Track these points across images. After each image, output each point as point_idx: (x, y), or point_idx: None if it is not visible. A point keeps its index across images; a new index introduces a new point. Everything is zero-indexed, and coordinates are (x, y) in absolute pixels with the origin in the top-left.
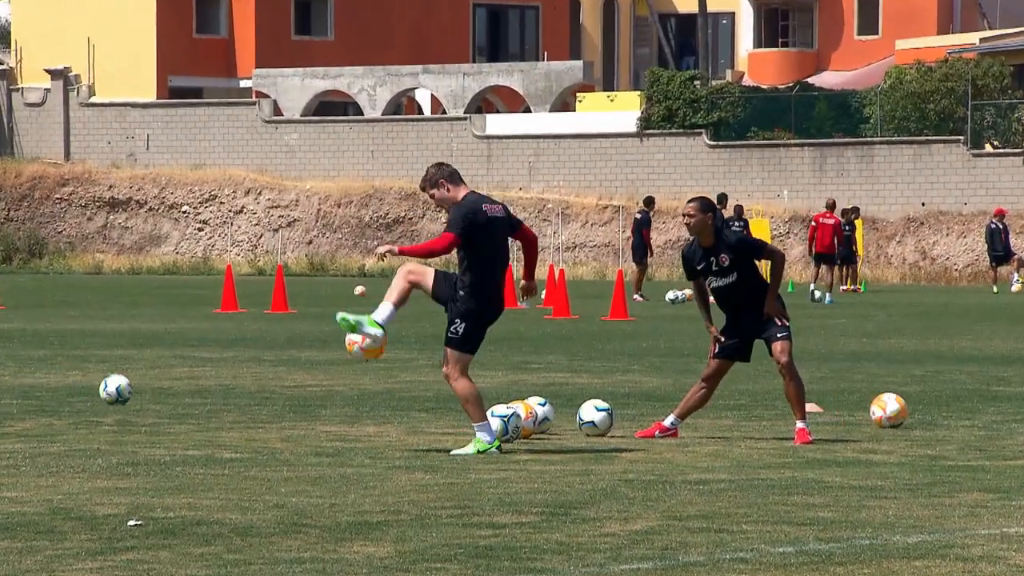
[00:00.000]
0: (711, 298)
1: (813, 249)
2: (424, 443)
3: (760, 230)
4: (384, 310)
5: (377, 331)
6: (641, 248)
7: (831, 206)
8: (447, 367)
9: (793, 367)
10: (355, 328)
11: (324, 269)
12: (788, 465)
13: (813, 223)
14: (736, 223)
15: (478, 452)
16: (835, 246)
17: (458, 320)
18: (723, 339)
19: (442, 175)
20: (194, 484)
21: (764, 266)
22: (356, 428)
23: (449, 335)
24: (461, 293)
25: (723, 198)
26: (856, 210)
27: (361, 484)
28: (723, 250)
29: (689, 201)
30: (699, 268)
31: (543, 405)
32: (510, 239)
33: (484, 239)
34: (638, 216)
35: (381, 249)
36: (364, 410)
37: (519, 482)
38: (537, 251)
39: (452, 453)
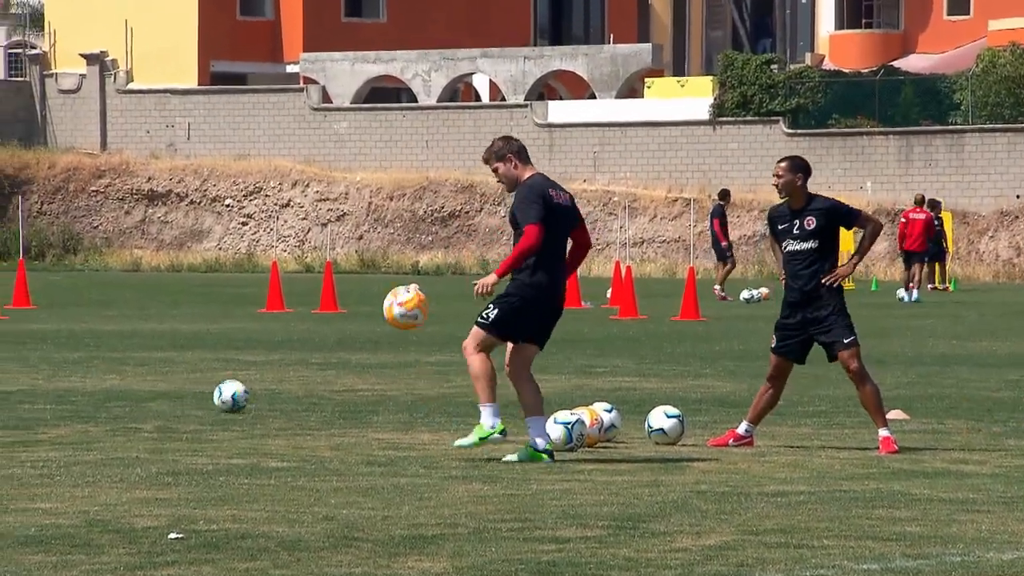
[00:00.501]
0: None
1: (902, 246)
2: (482, 452)
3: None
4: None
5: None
6: (719, 242)
7: (920, 201)
8: (467, 341)
9: (864, 372)
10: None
11: (375, 266)
12: (872, 476)
13: (903, 219)
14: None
15: (480, 439)
16: (926, 243)
17: (491, 305)
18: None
19: (511, 149)
20: (238, 495)
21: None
22: (410, 436)
23: (479, 319)
24: (509, 287)
25: (725, 194)
26: (937, 204)
27: (415, 495)
28: (811, 213)
29: (779, 161)
30: (781, 228)
31: (609, 411)
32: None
33: (551, 227)
34: (712, 208)
35: (482, 286)
36: (418, 416)
37: (584, 494)
38: (583, 260)
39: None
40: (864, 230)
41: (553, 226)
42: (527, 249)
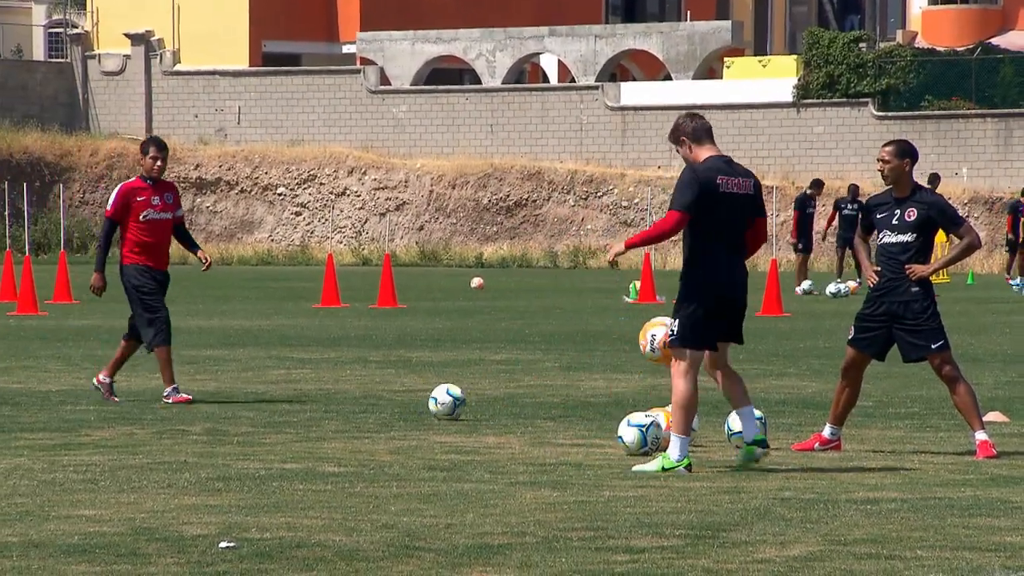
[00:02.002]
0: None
1: (1016, 238)
2: (552, 456)
3: None
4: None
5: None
6: (800, 233)
7: None
8: (673, 362)
9: (958, 373)
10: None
11: (437, 258)
12: (969, 482)
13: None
14: (850, 205)
15: (663, 470)
16: None
17: (670, 319)
18: (875, 279)
19: (685, 130)
20: (293, 501)
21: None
22: (474, 439)
23: (671, 338)
24: (680, 284)
25: (818, 184)
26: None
27: (480, 502)
28: (914, 204)
29: (885, 145)
30: (879, 217)
31: None
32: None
33: (714, 214)
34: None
35: (613, 253)
36: (483, 418)
37: (660, 500)
38: (750, 255)
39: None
40: (961, 241)
41: (713, 215)
42: (661, 232)
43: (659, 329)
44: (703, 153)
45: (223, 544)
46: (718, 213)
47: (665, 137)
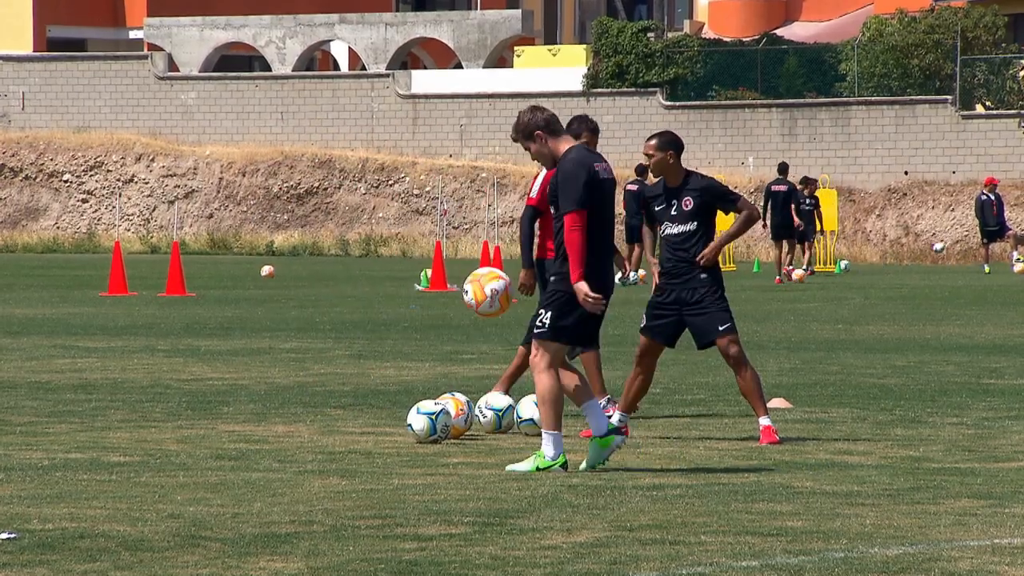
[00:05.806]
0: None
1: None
2: (340, 444)
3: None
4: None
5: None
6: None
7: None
8: (534, 356)
9: (744, 358)
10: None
11: (227, 246)
12: (752, 468)
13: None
14: (807, 200)
15: (536, 469)
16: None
17: (542, 310)
18: (662, 293)
19: (537, 123)
20: (76, 491)
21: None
22: (263, 427)
23: (536, 328)
24: (552, 277)
25: (784, 167)
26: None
27: (268, 491)
28: (689, 193)
29: (648, 139)
30: (658, 209)
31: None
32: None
33: (597, 206)
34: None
35: (584, 295)
36: (272, 407)
37: (448, 488)
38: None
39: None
40: (739, 216)
41: (599, 205)
42: (575, 245)
43: (498, 283)
44: (562, 144)
45: (3, 535)
46: (600, 204)
47: (456, 125)
